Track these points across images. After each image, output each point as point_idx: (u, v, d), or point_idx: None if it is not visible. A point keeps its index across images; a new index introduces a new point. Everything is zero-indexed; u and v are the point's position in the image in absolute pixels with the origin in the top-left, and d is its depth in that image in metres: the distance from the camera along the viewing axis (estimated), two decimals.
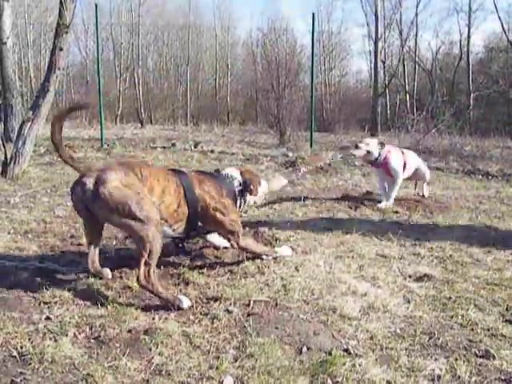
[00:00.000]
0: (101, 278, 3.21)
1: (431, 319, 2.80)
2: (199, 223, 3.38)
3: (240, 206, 3.71)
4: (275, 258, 3.69)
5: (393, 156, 5.72)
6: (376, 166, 5.82)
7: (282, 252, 3.78)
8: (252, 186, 3.70)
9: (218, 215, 3.34)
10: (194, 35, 34.78)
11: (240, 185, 3.65)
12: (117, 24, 32.52)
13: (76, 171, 2.96)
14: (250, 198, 3.76)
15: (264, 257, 3.67)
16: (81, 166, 2.94)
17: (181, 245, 3.68)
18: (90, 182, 2.79)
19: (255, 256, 3.65)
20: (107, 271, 3.25)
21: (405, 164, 5.83)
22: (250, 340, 2.46)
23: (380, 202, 5.83)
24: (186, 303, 2.84)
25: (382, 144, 5.67)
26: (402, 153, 5.89)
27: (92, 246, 3.17)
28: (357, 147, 5.68)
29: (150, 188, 3.01)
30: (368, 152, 5.64)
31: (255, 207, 3.96)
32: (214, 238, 3.81)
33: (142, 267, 2.81)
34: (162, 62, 37.07)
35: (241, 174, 3.72)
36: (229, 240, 3.46)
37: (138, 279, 2.82)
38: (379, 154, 5.67)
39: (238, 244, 3.45)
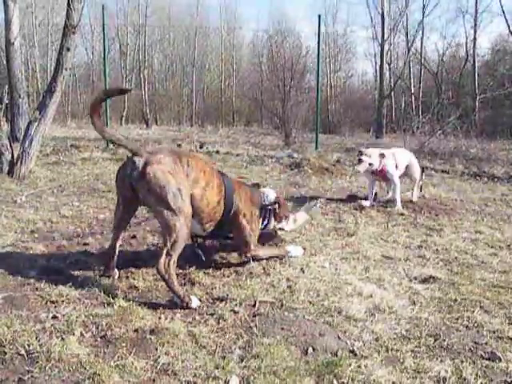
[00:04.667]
0: (108, 277, 3.24)
1: (437, 321, 2.80)
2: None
3: (262, 224, 3.80)
4: (281, 259, 3.70)
5: (388, 164, 5.81)
6: (375, 174, 5.90)
7: (294, 252, 3.83)
8: (278, 211, 3.84)
9: (244, 221, 3.47)
10: (200, 36, 34.82)
11: (269, 205, 3.79)
12: (123, 24, 32.59)
13: (128, 151, 3.00)
14: (272, 223, 3.89)
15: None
16: (133, 147, 2.99)
17: (197, 244, 3.71)
18: (139, 162, 2.89)
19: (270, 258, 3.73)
20: (115, 271, 3.31)
21: (396, 165, 5.94)
22: (255, 340, 2.47)
23: (365, 199, 6.05)
24: (195, 303, 2.87)
25: (382, 155, 5.73)
26: (393, 154, 5.97)
27: (117, 231, 3.26)
28: (360, 161, 5.75)
29: (195, 179, 3.09)
30: (370, 164, 5.72)
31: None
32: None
33: (164, 256, 2.87)
34: (167, 62, 37.15)
35: (276, 197, 3.87)
36: (239, 250, 3.57)
37: (157, 266, 2.87)
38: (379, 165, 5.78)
39: (249, 255, 3.54)
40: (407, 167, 6.14)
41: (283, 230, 4.08)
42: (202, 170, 3.17)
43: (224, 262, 3.69)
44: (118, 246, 3.31)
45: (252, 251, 3.54)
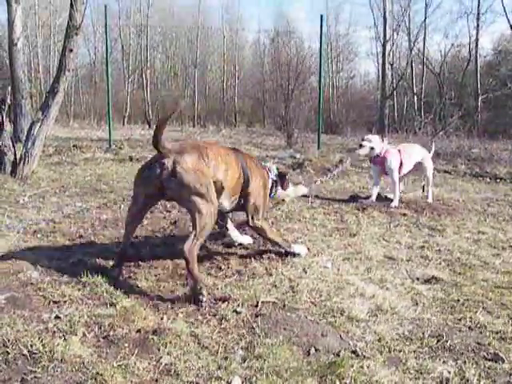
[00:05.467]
0: (113, 276, 3.25)
1: (439, 322, 2.79)
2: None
3: (270, 194, 4.06)
4: (283, 259, 3.71)
5: (390, 156, 5.90)
6: (374, 162, 6.02)
7: (297, 249, 3.85)
8: (285, 180, 4.23)
9: (255, 190, 3.69)
10: (202, 37, 34.84)
11: (276, 176, 4.11)
12: (125, 25, 32.64)
13: (160, 154, 3.14)
14: (280, 191, 4.20)
15: (277, 247, 3.83)
16: (165, 151, 3.14)
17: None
18: (168, 163, 3.09)
19: (270, 242, 3.85)
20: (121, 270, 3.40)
21: (401, 163, 5.99)
22: (258, 341, 2.47)
23: (368, 198, 6.13)
24: (204, 292, 2.93)
25: (382, 138, 5.97)
26: (399, 151, 6.02)
27: (131, 227, 3.43)
28: (361, 146, 5.95)
29: (216, 166, 3.34)
30: (372, 148, 5.90)
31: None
32: (233, 230, 4.03)
33: (191, 238, 3.04)
34: (169, 63, 37.19)
35: (277, 169, 4.21)
36: (251, 213, 3.69)
37: (184, 248, 3.00)
38: (380, 150, 5.92)
39: (254, 222, 3.69)
40: (419, 164, 6.18)
41: (287, 198, 4.50)
42: (217, 156, 3.41)
43: (226, 262, 3.69)
44: (129, 242, 3.46)
45: (260, 221, 3.71)
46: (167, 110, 3.66)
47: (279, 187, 4.18)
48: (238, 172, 3.58)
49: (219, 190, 3.34)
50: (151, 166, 3.20)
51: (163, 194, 3.21)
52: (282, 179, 4.20)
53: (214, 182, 3.26)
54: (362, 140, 6.02)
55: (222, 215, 3.81)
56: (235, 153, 3.74)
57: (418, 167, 6.21)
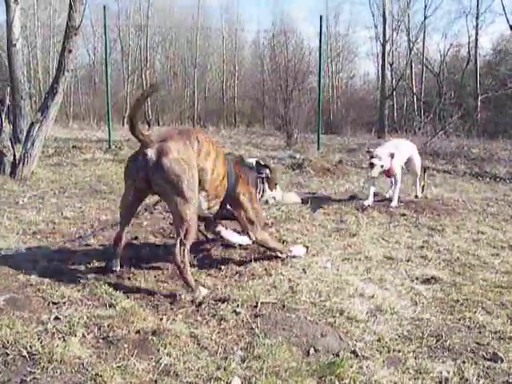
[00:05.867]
0: (111, 271, 3.27)
1: (438, 322, 2.80)
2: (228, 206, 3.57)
3: (258, 193, 3.81)
4: (283, 260, 3.71)
5: (394, 162, 5.80)
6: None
7: (296, 251, 3.84)
8: (271, 176, 3.87)
9: (246, 201, 3.51)
10: (202, 37, 34.82)
11: (262, 174, 3.82)
12: (125, 26, 32.63)
13: (141, 143, 3.02)
14: (267, 191, 3.90)
15: (278, 253, 3.75)
16: (145, 138, 2.99)
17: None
18: (152, 153, 2.93)
19: (270, 251, 3.76)
20: (118, 266, 3.39)
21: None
22: (257, 341, 2.47)
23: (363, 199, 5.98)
24: (203, 292, 2.98)
25: (392, 156, 5.71)
26: (397, 148, 5.99)
27: (124, 220, 3.35)
28: (372, 166, 5.70)
29: (207, 152, 3.19)
30: (382, 167, 5.70)
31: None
32: (229, 235, 3.93)
33: (178, 245, 2.95)
34: (169, 63, 37.16)
35: (264, 165, 3.88)
36: (247, 230, 3.55)
37: (173, 257, 2.95)
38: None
39: (255, 235, 3.55)
40: (408, 159, 6.16)
41: (275, 200, 4.11)
42: (210, 141, 3.31)
43: (225, 262, 3.69)
44: (124, 236, 3.38)
45: (259, 232, 3.57)
46: (143, 92, 3.49)
47: (266, 186, 3.88)
48: (223, 168, 3.39)
49: (201, 184, 3.15)
50: (136, 157, 3.06)
51: (151, 187, 3.06)
52: (268, 177, 3.85)
53: (199, 171, 3.09)
54: (371, 157, 5.72)
55: (213, 222, 3.76)
56: (226, 154, 3.59)
57: (407, 162, 6.19)
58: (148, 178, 2.99)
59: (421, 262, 3.89)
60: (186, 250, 2.97)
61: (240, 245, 4.01)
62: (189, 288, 2.98)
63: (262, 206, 3.91)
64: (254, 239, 3.59)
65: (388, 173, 5.89)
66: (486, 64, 28.43)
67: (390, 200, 5.93)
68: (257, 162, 3.82)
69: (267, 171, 3.84)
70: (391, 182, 6.16)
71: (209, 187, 3.27)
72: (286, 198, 4.37)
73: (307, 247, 3.99)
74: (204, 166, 3.16)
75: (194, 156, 3.07)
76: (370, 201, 5.85)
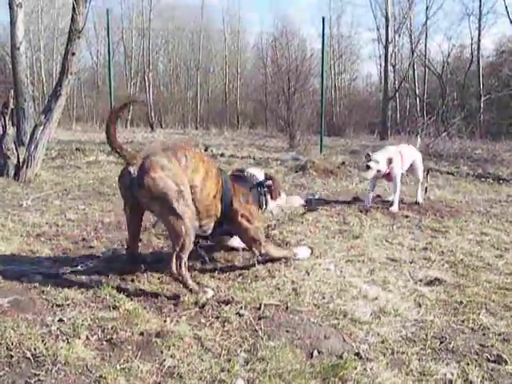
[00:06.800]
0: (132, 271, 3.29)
1: (442, 323, 2.79)
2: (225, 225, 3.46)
3: (261, 207, 3.71)
4: (286, 262, 3.70)
5: (394, 166, 5.77)
6: (381, 176, 5.90)
7: (301, 253, 3.82)
8: (274, 189, 3.74)
9: (245, 222, 3.40)
10: (204, 39, 34.90)
11: (263, 186, 3.67)
12: (128, 28, 32.74)
13: (123, 160, 2.96)
14: (270, 203, 3.77)
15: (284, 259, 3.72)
16: (126, 154, 2.91)
17: (199, 245, 3.64)
18: (134, 171, 2.85)
19: (276, 260, 3.69)
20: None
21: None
22: (261, 343, 2.47)
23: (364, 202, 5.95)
24: (210, 294, 2.99)
25: (390, 160, 5.69)
26: (399, 153, 5.94)
27: (132, 238, 3.30)
28: (367, 168, 5.69)
29: (195, 169, 3.07)
30: (378, 171, 5.68)
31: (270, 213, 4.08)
32: (232, 240, 3.89)
33: (174, 260, 2.94)
34: (172, 66, 37.23)
35: (265, 176, 3.76)
36: (251, 248, 3.50)
37: (170, 271, 2.96)
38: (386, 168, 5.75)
39: (259, 252, 3.49)
40: (411, 165, 6.14)
41: (275, 210, 4.07)
42: (200, 159, 3.18)
43: (229, 264, 3.69)
44: (136, 246, 3.42)
45: (263, 247, 3.48)
46: (121, 101, 3.43)
47: (268, 198, 3.73)
48: (216, 186, 3.25)
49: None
50: (123, 174, 2.97)
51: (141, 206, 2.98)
52: (270, 188, 3.71)
53: (190, 187, 2.99)
54: (369, 161, 5.67)
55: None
56: (221, 172, 3.40)
57: (410, 168, 6.17)
58: (135, 196, 2.93)
59: (424, 263, 3.88)
60: (182, 263, 2.97)
61: (243, 248, 3.98)
62: (193, 294, 2.99)
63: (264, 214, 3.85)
64: (258, 255, 3.53)
65: (388, 177, 5.88)
66: (488, 65, 28.38)
67: (391, 203, 5.91)
68: (258, 184, 3.67)
69: (269, 182, 3.71)
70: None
71: (198, 205, 3.14)
72: (290, 201, 4.35)
73: (312, 249, 3.99)
74: (192, 184, 3.05)
75: (180, 171, 2.96)
76: (367, 201, 5.82)
